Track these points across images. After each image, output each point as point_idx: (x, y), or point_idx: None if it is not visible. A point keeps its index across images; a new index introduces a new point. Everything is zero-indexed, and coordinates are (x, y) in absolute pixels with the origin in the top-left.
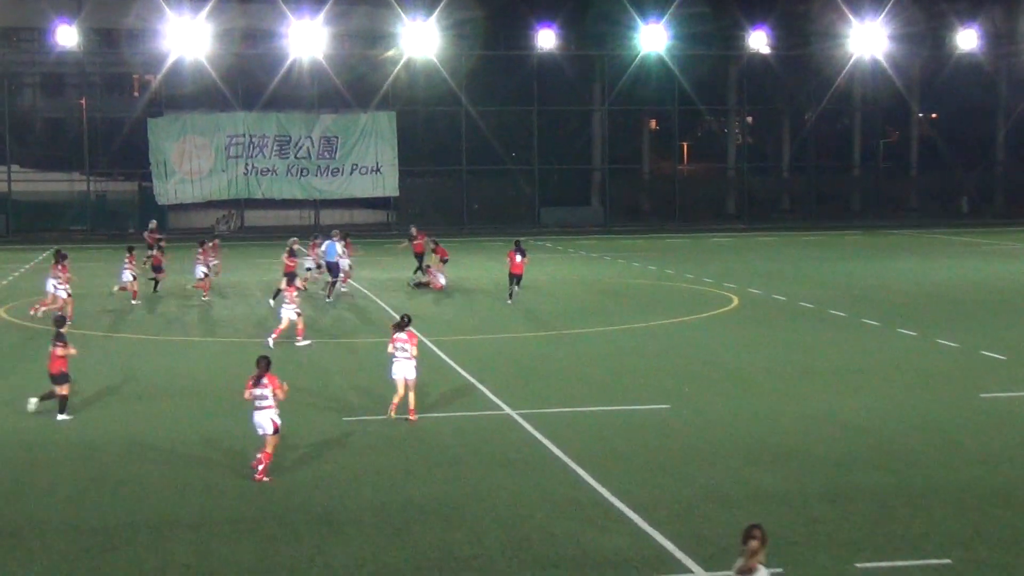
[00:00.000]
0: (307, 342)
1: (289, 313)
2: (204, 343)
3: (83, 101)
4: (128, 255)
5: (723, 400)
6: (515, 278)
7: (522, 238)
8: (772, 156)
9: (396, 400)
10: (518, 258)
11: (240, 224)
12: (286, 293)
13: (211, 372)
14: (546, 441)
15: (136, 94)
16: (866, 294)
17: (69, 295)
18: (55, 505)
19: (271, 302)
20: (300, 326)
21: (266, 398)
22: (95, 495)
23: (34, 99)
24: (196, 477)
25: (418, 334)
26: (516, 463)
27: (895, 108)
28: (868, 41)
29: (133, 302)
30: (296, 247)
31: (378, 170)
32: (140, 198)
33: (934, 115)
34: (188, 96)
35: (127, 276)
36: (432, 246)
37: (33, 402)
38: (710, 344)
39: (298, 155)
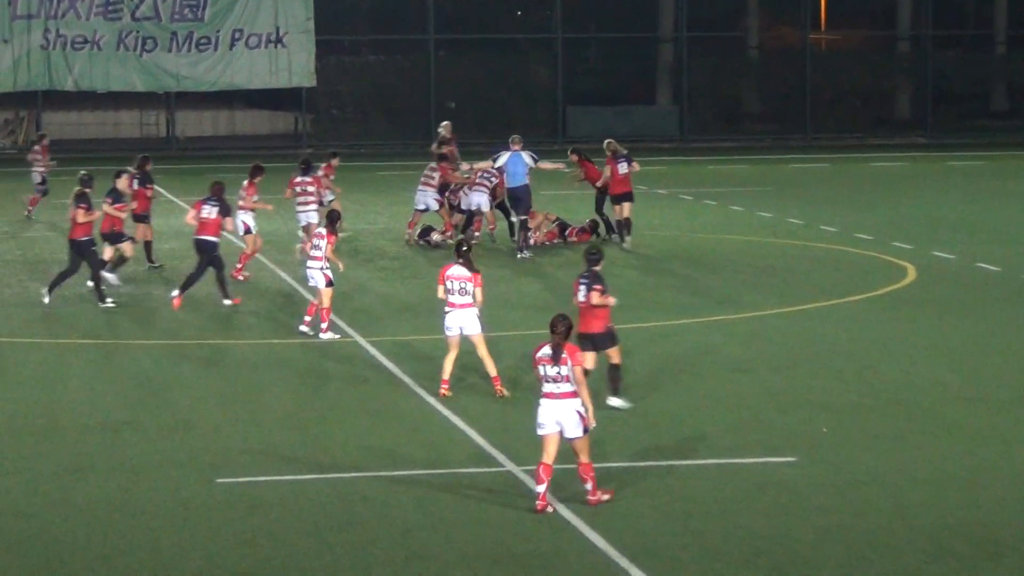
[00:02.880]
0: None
1: None
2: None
3: None
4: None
5: (886, 447)
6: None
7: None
8: (977, 16)
9: (449, 367)
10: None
11: (37, 136)
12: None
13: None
14: (571, 516)
15: None
16: None
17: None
18: None
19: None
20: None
21: (567, 381)
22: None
23: None
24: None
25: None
26: (529, 558)
27: None
28: None
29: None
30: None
31: (279, 41)
32: None
33: None
34: None
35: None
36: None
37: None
38: (865, 348)
39: (137, 15)
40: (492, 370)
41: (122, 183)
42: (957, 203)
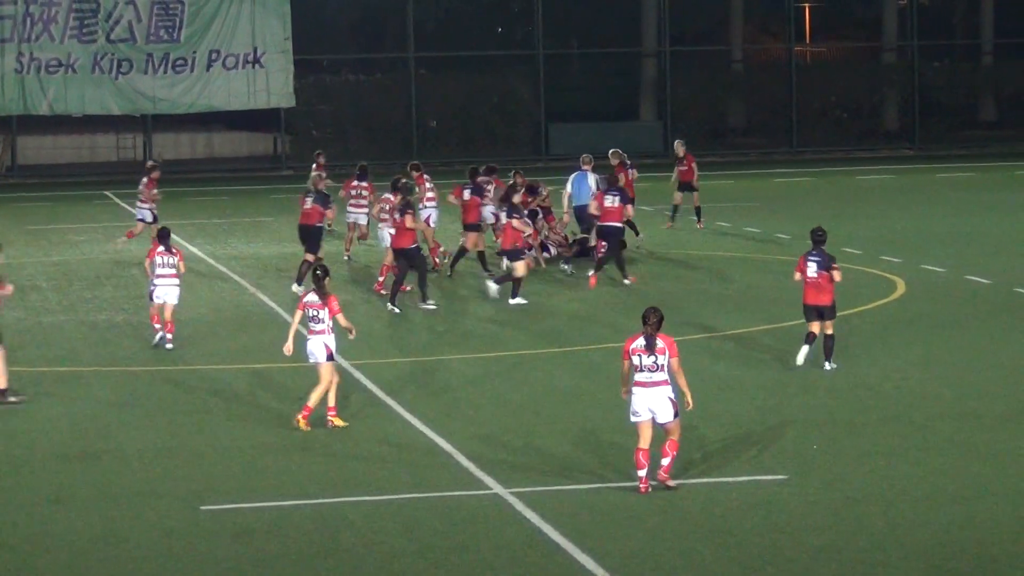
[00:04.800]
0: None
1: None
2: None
3: None
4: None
5: (879, 464)
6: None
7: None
8: (963, 27)
9: (314, 397)
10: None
11: (10, 163)
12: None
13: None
14: (561, 539)
15: None
16: None
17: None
18: None
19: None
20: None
21: (661, 370)
22: None
23: None
24: None
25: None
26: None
27: None
28: None
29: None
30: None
31: (257, 62)
32: None
33: None
34: None
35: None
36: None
37: None
38: (855, 364)
39: (112, 37)
40: (331, 400)
41: (518, 197)
42: (946, 215)
